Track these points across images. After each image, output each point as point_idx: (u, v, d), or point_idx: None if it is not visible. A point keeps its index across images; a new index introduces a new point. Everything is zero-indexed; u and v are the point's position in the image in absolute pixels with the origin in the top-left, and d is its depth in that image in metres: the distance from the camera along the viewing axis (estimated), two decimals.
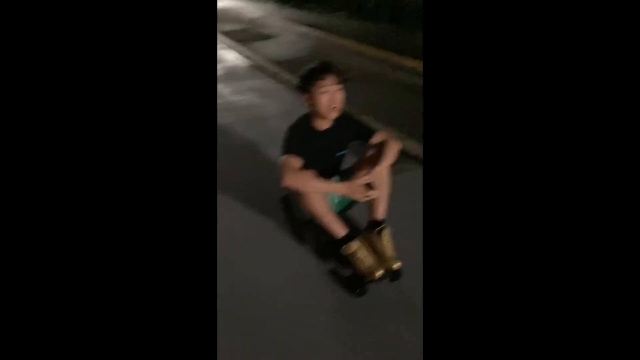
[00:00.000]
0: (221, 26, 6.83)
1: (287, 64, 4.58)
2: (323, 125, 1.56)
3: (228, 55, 5.27)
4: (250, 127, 3.01)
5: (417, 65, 4.44)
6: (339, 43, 5.78)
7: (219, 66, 4.72)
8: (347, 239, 1.49)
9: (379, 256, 1.52)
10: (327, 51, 5.37)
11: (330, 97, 1.45)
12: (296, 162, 1.46)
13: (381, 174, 1.53)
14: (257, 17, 7.98)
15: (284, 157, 1.47)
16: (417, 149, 2.50)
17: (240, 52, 5.31)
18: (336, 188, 1.53)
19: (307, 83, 1.48)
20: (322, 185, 1.48)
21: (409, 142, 2.56)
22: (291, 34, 6.56)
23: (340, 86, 1.47)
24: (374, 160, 1.54)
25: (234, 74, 4.49)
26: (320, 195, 1.48)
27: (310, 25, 6.94)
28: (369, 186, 1.50)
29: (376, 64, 4.70)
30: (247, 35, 6.30)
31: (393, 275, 1.49)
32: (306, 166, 1.51)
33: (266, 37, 6.27)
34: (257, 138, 2.80)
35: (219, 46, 5.62)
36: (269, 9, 9.31)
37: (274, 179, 1.53)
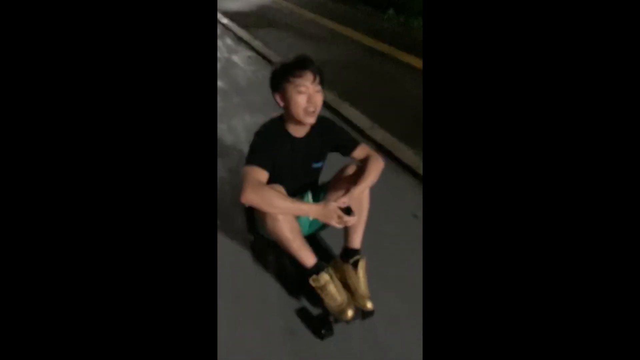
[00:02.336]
0: None
1: (229, 14, 6.02)
2: (298, 131, 1.41)
3: None
4: None
5: (337, 27, 5.88)
6: (286, 7, 7.17)
7: None
8: (316, 269, 1.34)
9: (351, 291, 1.39)
10: (270, 10, 6.77)
11: (308, 98, 1.30)
12: (261, 174, 1.30)
13: (360, 196, 1.40)
14: None
15: (247, 168, 1.30)
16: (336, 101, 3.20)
17: None
18: (306, 210, 1.32)
19: (280, 79, 1.32)
20: (290, 205, 1.29)
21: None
22: None
23: (319, 87, 1.32)
24: (354, 179, 1.41)
25: None
26: (288, 216, 1.31)
27: None
28: (347, 209, 1.33)
29: (309, 24, 6.10)
30: None
31: (364, 315, 1.37)
32: (276, 177, 1.37)
33: None
34: None
35: None
36: None
37: None
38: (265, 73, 3.77)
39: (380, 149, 2.56)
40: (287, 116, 1.39)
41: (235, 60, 4.16)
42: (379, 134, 2.70)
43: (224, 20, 5.68)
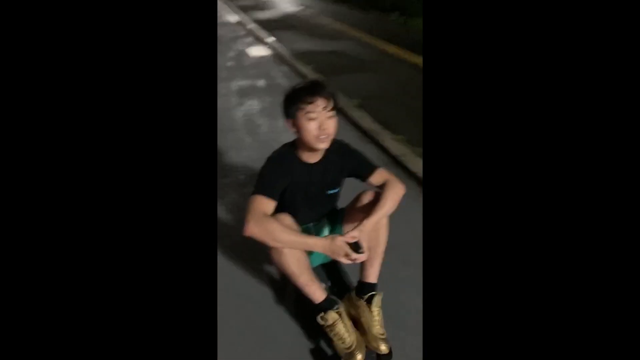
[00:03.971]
0: (238, 1, 9.85)
1: (257, 21, 7.45)
2: (312, 156, 1.37)
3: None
4: None
5: (344, 28, 7.08)
6: (309, 14, 8.49)
7: None
8: (325, 306, 1.30)
9: (364, 331, 1.34)
10: (293, 18, 8.12)
11: (320, 125, 1.26)
12: (267, 205, 1.25)
13: (374, 227, 1.32)
14: None
15: (252, 198, 1.26)
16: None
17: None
18: (312, 244, 1.26)
19: (291, 106, 1.29)
20: (295, 239, 1.24)
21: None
22: (277, 7, 9.41)
23: (332, 112, 1.28)
24: (370, 207, 1.34)
25: None
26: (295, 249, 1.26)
27: (296, 4, 9.77)
28: (356, 244, 1.24)
29: (322, 27, 7.34)
30: (248, 4, 9.27)
31: (379, 358, 1.32)
32: (290, 205, 1.37)
33: (259, 7, 9.18)
34: None
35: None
36: None
37: None
38: (267, 58, 5.04)
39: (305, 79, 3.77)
40: (299, 142, 1.35)
41: (246, 51, 5.48)
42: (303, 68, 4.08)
43: (250, 25, 7.08)
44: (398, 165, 2.62)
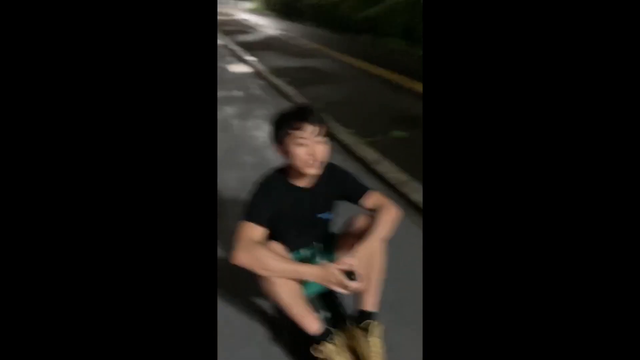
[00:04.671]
0: (224, 27, 10.54)
1: (239, 43, 8.10)
2: (302, 181, 1.34)
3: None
4: None
5: (320, 47, 7.74)
6: (290, 37, 9.19)
7: None
8: (320, 338, 1.27)
9: None
10: (275, 40, 8.79)
11: (309, 151, 1.23)
12: (256, 232, 1.23)
13: (369, 254, 1.26)
14: (255, 24, 11.67)
15: (242, 225, 1.23)
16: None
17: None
18: (303, 272, 1.21)
19: (279, 131, 1.27)
20: (285, 267, 1.20)
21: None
22: (260, 31, 10.12)
23: (321, 138, 1.25)
24: (364, 232, 1.30)
25: None
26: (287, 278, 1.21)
27: (278, 28, 10.50)
28: (350, 272, 1.18)
29: (299, 47, 8.01)
30: (233, 29, 9.96)
31: None
32: (280, 231, 1.35)
33: (244, 32, 9.87)
34: None
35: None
36: (270, 19, 13.11)
37: None
38: (246, 74, 5.62)
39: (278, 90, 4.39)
40: (289, 166, 1.33)
41: (228, 68, 6.06)
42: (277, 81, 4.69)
43: (233, 47, 7.71)
44: (348, 152, 3.15)
